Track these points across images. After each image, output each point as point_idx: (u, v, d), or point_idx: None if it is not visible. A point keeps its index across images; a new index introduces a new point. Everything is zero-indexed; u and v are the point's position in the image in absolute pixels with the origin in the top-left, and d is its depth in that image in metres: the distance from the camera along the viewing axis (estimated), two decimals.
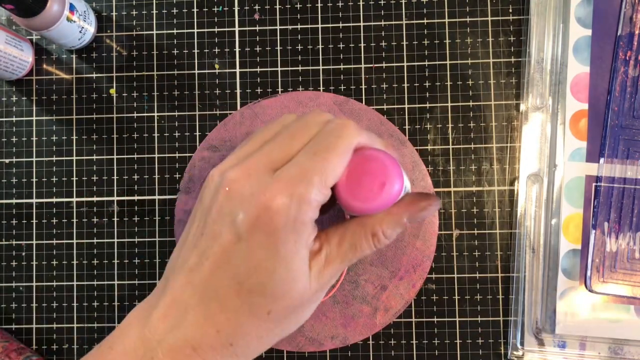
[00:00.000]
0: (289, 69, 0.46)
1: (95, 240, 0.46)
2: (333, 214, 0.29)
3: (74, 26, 0.43)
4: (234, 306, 0.23)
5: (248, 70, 0.46)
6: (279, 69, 0.46)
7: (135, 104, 0.46)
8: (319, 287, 0.25)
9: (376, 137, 0.27)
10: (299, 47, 0.46)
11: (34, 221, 0.46)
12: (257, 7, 0.47)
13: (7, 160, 0.47)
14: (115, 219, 0.46)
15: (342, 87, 0.46)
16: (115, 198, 0.46)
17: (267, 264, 0.23)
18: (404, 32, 0.46)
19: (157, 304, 0.24)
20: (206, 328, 0.23)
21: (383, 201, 0.25)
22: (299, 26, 0.46)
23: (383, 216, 0.26)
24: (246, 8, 0.47)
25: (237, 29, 0.47)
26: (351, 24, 0.46)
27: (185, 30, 0.47)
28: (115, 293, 0.45)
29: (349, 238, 0.26)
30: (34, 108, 0.47)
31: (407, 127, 0.45)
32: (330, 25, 0.46)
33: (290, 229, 0.23)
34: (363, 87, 0.46)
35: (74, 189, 0.46)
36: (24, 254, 0.46)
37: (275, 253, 0.23)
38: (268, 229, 0.22)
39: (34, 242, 0.46)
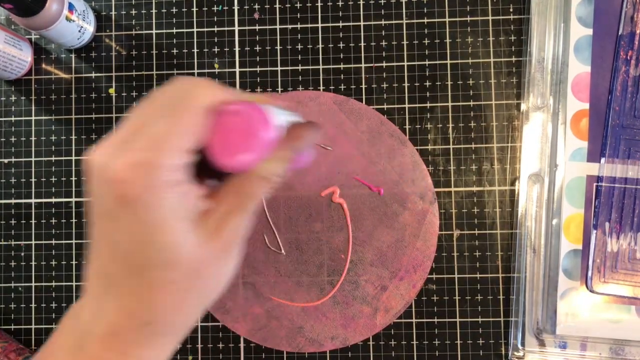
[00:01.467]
0: (289, 68, 0.46)
1: None
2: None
3: (73, 25, 0.43)
4: (136, 285, 0.23)
5: (248, 70, 0.46)
6: (279, 68, 0.46)
7: (134, 104, 0.46)
8: (221, 245, 0.25)
9: (241, 92, 0.27)
10: (299, 47, 0.46)
11: (33, 221, 0.46)
12: (257, 7, 0.46)
13: (6, 160, 0.47)
14: None
15: (342, 87, 0.45)
16: None
17: (143, 237, 0.23)
18: (404, 32, 0.46)
19: (81, 297, 0.25)
20: (120, 313, 0.24)
21: (258, 152, 0.25)
22: (299, 26, 0.46)
23: (266, 160, 0.26)
24: (246, 7, 0.46)
25: (236, 28, 0.46)
26: (351, 24, 0.46)
27: (185, 30, 0.47)
28: None
29: (240, 188, 0.26)
30: (33, 108, 0.47)
31: (407, 126, 0.45)
32: (330, 25, 0.46)
33: (150, 197, 0.23)
34: (363, 86, 0.45)
35: (73, 189, 0.46)
36: (23, 254, 0.46)
37: (145, 223, 0.23)
38: (128, 200, 0.22)
39: (33, 242, 0.46)
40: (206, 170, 0.26)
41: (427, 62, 0.45)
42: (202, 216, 0.25)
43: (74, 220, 0.46)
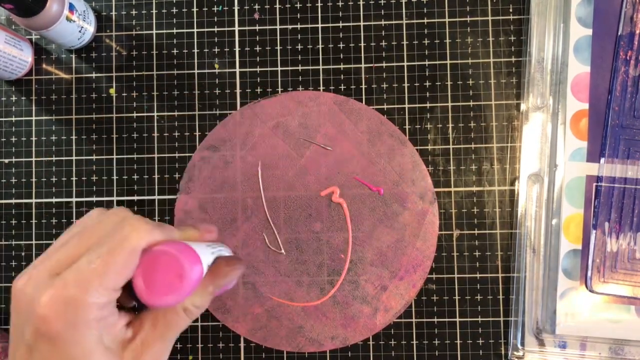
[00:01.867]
0: (289, 68, 0.46)
1: None
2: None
3: (74, 26, 0.43)
4: None
5: (248, 70, 0.46)
6: (279, 68, 0.46)
7: (135, 104, 0.46)
8: None
9: (172, 228, 0.27)
10: (299, 47, 0.46)
11: (34, 221, 0.46)
12: (257, 7, 0.46)
13: (6, 160, 0.47)
14: None
15: (342, 87, 0.46)
16: (115, 198, 0.46)
17: None
18: (404, 32, 0.46)
19: None
20: None
21: (183, 292, 0.25)
22: (299, 26, 0.46)
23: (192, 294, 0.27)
24: (246, 8, 0.47)
25: (237, 28, 0.47)
26: (351, 24, 0.46)
27: (185, 30, 0.47)
28: None
29: (161, 318, 0.27)
30: (34, 108, 0.47)
31: (407, 127, 0.45)
32: (330, 25, 0.46)
33: (75, 333, 0.23)
34: (363, 87, 0.45)
35: (74, 189, 0.46)
36: (23, 254, 0.46)
37: (69, 357, 0.23)
38: (49, 336, 0.23)
39: (34, 242, 0.46)
40: (128, 295, 0.27)
41: (427, 62, 0.45)
42: (123, 344, 0.25)
43: (74, 221, 0.46)
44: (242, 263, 0.30)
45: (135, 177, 0.46)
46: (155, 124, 0.46)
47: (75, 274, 0.23)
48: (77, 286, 0.23)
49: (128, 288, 0.26)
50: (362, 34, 0.46)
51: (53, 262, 0.24)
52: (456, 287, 0.44)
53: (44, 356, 0.23)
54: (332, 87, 0.46)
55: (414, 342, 0.44)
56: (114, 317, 0.25)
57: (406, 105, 0.45)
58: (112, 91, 0.47)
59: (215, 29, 0.47)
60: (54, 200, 0.46)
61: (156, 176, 0.46)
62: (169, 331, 0.27)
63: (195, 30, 0.47)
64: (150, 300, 0.25)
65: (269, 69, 0.46)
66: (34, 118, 0.47)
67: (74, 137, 0.46)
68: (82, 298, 0.23)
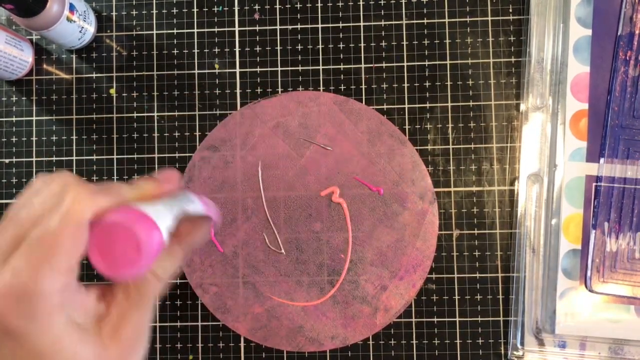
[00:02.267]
0: (289, 69, 0.46)
1: None
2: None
3: (74, 26, 0.43)
4: None
5: (248, 70, 0.46)
6: (279, 69, 0.46)
7: (135, 104, 0.46)
8: (122, 344, 0.24)
9: (122, 187, 0.25)
10: (299, 47, 0.46)
11: None
12: (257, 7, 0.47)
13: (7, 160, 0.47)
14: None
15: (342, 87, 0.46)
16: None
17: None
18: (404, 32, 0.46)
19: None
20: None
21: (143, 264, 0.23)
22: (299, 26, 0.46)
23: (159, 258, 0.25)
24: (246, 8, 0.47)
25: (237, 29, 0.47)
26: (351, 24, 0.46)
27: (185, 30, 0.47)
28: None
29: (133, 287, 0.25)
30: (34, 108, 0.47)
31: (407, 127, 0.45)
32: (330, 25, 0.46)
33: (35, 325, 0.21)
34: (363, 87, 0.46)
35: None
36: None
37: (34, 350, 0.21)
38: (12, 333, 0.21)
39: None
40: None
41: (426, 63, 0.45)
42: (98, 322, 0.24)
43: None
44: (209, 219, 0.27)
45: (136, 177, 0.46)
46: (156, 124, 0.46)
47: (23, 258, 0.21)
48: (26, 275, 0.21)
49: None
50: (362, 34, 0.46)
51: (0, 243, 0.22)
52: (456, 287, 0.44)
53: (13, 352, 0.21)
54: (332, 87, 0.46)
55: (414, 341, 0.44)
56: (80, 295, 0.23)
57: (406, 105, 0.45)
58: (112, 91, 0.47)
59: (216, 29, 0.47)
60: None
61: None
62: (143, 298, 0.25)
63: (195, 30, 0.47)
64: (111, 275, 0.23)
65: (269, 69, 0.46)
66: (34, 118, 0.47)
67: (74, 137, 0.47)
68: (35, 288, 0.21)
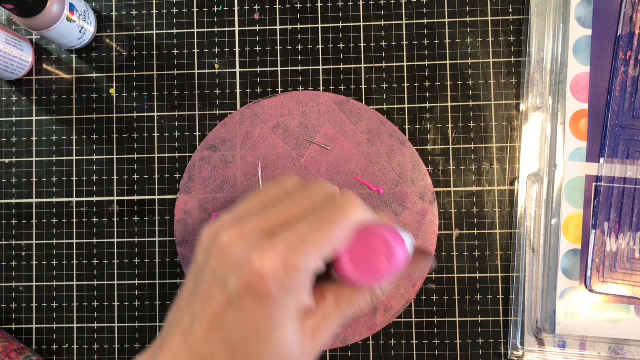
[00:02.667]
0: (289, 69, 0.46)
1: (95, 240, 0.46)
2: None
3: (74, 26, 0.43)
4: None
5: (248, 70, 0.46)
6: (279, 69, 0.46)
7: (135, 104, 0.47)
8: (315, 345, 0.25)
9: (381, 213, 0.28)
10: (299, 47, 0.46)
11: (34, 221, 0.46)
12: (257, 7, 0.47)
13: (7, 160, 0.47)
14: (115, 219, 0.46)
15: (342, 87, 0.46)
16: (115, 198, 0.46)
17: (262, 330, 0.23)
18: (404, 32, 0.46)
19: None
20: None
21: (388, 276, 0.25)
22: (299, 26, 0.46)
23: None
24: (246, 8, 0.47)
25: (237, 29, 0.47)
26: (351, 24, 0.46)
27: (185, 30, 0.47)
28: (115, 293, 0.45)
29: (346, 295, 0.26)
30: (34, 108, 0.47)
31: (407, 127, 0.45)
32: (330, 25, 0.46)
33: (283, 296, 0.23)
34: (363, 87, 0.46)
35: (74, 189, 0.46)
36: (24, 254, 0.46)
37: (269, 319, 0.23)
38: (260, 294, 0.22)
39: (34, 242, 0.46)
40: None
41: (426, 63, 0.45)
42: (305, 314, 0.25)
43: (74, 220, 0.46)
44: (432, 258, 0.30)
45: (136, 177, 0.46)
46: (156, 124, 0.46)
47: (296, 236, 0.23)
48: (298, 250, 0.23)
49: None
50: (362, 34, 0.46)
51: (265, 222, 0.24)
52: (456, 287, 0.44)
53: (246, 312, 0.23)
54: (332, 87, 0.46)
55: (414, 341, 0.44)
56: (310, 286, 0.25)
57: (406, 106, 0.45)
58: (113, 91, 0.47)
59: (216, 29, 0.47)
60: (54, 200, 0.46)
61: (156, 176, 0.46)
62: (349, 309, 0.26)
63: (195, 30, 0.47)
64: (355, 277, 0.25)
65: (269, 69, 0.46)
66: (34, 118, 0.47)
67: (74, 137, 0.47)
68: (301, 263, 0.23)
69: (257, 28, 0.46)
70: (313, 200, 0.25)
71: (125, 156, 0.46)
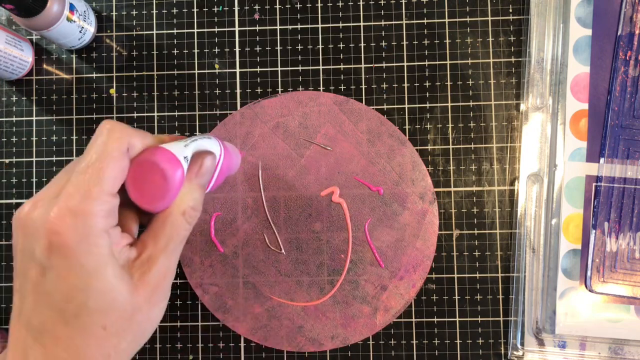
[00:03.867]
0: (289, 69, 0.46)
1: None
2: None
3: (74, 26, 0.43)
4: (66, 335, 0.24)
5: (248, 70, 0.46)
6: (279, 69, 0.46)
7: (135, 104, 0.46)
8: (151, 289, 0.26)
9: (146, 133, 0.28)
10: (299, 47, 0.46)
11: None
12: (257, 7, 0.47)
13: (7, 160, 0.47)
14: None
15: (342, 87, 0.46)
16: None
17: (79, 283, 0.23)
18: (404, 32, 0.46)
19: (5, 353, 0.25)
20: None
21: (170, 190, 0.27)
22: (299, 26, 0.46)
23: (181, 194, 0.28)
24: (246, 8, 0.47)
25: (237, 29, 0.47)
26: (351, 24, 0.46)
27: (185, 30, 0.47)
28: None
29: (161, 230, 0.27)
30: (34, 108, 0.47)
31: (407, 127, 0.45)
32: (330, 25, 0.46)
33: (87, 244, 0.23)
34: (363, 87, 0.46)
35: None
36: None
37: (82, 270, 0.23)
38: (63, 249, 0.23)
39: None
40: (128, 214, 0.28)
41: (426, 63, 0.45)
42: (129, 263, 0.26)
43: None
44: (210, 153, 0.30)
45: None
46: (156, 124, 0.46)
47: (74, 186, 0.24)
48: (79, 196, 0.23)
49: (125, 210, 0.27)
50: (362, 34, 0.46)
51: (53, 188, 0.25)
52: (456, 287, 0.44)
53: (59, 272, 0.23)
54: (332, 87, 0.46)
55: (414, 341, 0.44)
56: (117, 233, 0.26)
57: (406, 106, 0.45)
58: (113, 91, 0.47)
59: (216, 29, 0.47)
60: None
61: None
62: (171, 241, 0.27)
63: (195, 30, 0.47)
64: (145, 204, 0.26)
65: (269, 69, 0.46)
66: (34, 118, 0.47)
67: (74, 137, 0.47)
68: (87, 207, 0.23)
69: (257, 28, 0.46)
70: (88, 147, 0.26)
71: None
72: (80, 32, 0.44)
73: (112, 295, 0.24)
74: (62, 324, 0.24)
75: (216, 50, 0.46)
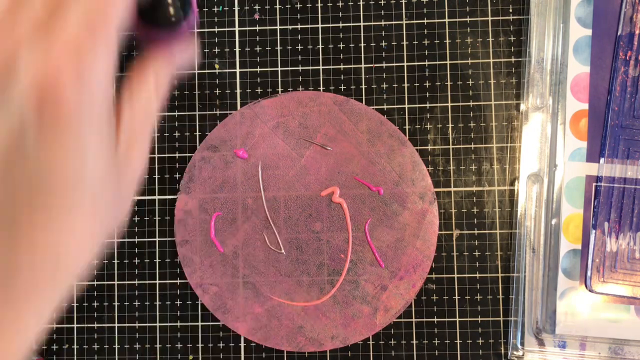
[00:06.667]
0: (289, 69, 0.46)
1: None
2: None
3: None
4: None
5: (248, 70, 0.46)
6: (279, 69, 0.46)
7: None
8: (136, 165, 0.21)
9: None
10: (299, 47, 0.46)
11: None
12: (257, 7, 0.47)
13: None
14: None
15: (342, 87, 0.46)
16: None
17: (70, 171, 0.17)
18: (404, 32, 0.46)
19: None
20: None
21: (182, 28, 0.24)
22: (299, 26, 0.46)
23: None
24: (246, 8, 0.47)
25: (237, 29, 0.47)
26: (351, 24, 0.46)
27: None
28: (115, 293, 0.45)
29: (137, 95, 0.22)
30: None
31: (407, 127, 0.45)
32: (330, 25, 0.46)
33: (89, 119, 0.17)
34: (363, 87, 0.46)
35: None
36: None
37: (78, 155, 0.17)
38: (60, 122, 0.16)
39: None
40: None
41: (426, 63, 0.45)
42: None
43: None
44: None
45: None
46: (156, 124, 0.46)
47: (82, 15, 0.17)
48: (91, 39, 0.17)
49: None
50: (362, 34, 0.46)
51: (33, 11, 0.17)
52: (456, 287, 0.44)
53: (46, 143, 0.16)
54: (332, 87, 0.46)
55: (414, 341, 0.44)
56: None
57: (406, 106, 0.45)
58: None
59: (216, 29, 0.47)
60: None
61: (156, 176, 0.46)
62: (146, 106, 0.22)
63: (195, 30, 0.47)
64: (148, 33, 0.23)
65: (269, 69, 0.46)
66: None
67: None
68: (92, 56, 0.17)
69: (257, 28, 0.46)
70: None
71: None
72: None
73: (99, 179, 0.19)
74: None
75: (216, 50, 0.46)
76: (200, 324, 0.45)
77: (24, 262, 0.17)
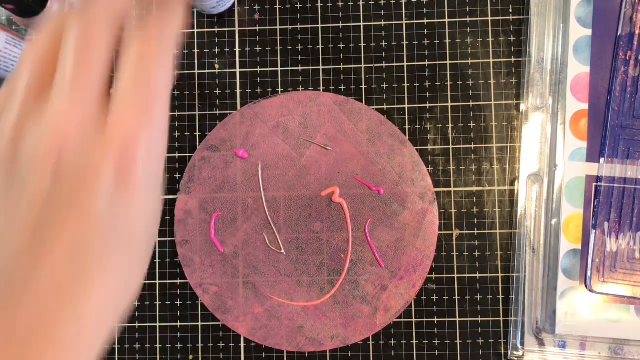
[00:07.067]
0: (289, 69, 0.46)
1: None
2: None
3: None
4: None
5: (248, 70, 0.46)
6: (279, 69, 0.46)
7: None
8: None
9: None
10: (299, 47, 0.46)
11: None
12: (257, 7, 0.47)
13: None
14: None
15: (342, 87, 0.46)
16: None
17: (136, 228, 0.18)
18: (404, 32, 0.46)
19: None
20: None
21: None
22: (299, 26, 0.46)
23: None
24: (246, 8, 0.47)
25: (237, 29, 0.47)
26: (351, 24, 0.46)
27: (185, 31, 0.47)
28: None
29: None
30: None
31: (407, 127, 0.45)
32: (330, 25, 0.46)
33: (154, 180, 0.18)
34: (363, 87, 0.46)
35: None
36: None
37: (142, 215, 0.18)
38: (133, 184, 0.17)
39: None
40: None
41: (426, 63, 0.45)
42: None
43: None
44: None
45: None
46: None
47: (126, 127, 0.17)
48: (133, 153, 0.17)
49: None
50: (362, 34, 0.46)
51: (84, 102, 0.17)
52: (456, 287, 0.44)
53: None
54: (332, 87, 0.46)
55: (414, 341, 0.44)
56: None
57: (406, 106, 0.45)
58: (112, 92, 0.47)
59: (216, 29, 0.47)
60: None
61: None
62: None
63: (195, 30, 0.47)
64: None
65: (269, 69, 0.46)
66: None
67: None
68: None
69: (257, 28, 0.46)
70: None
71: None
72: None
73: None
74: None
75: (216, 50, 0.46)
76: (200, 324, 0.45)
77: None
